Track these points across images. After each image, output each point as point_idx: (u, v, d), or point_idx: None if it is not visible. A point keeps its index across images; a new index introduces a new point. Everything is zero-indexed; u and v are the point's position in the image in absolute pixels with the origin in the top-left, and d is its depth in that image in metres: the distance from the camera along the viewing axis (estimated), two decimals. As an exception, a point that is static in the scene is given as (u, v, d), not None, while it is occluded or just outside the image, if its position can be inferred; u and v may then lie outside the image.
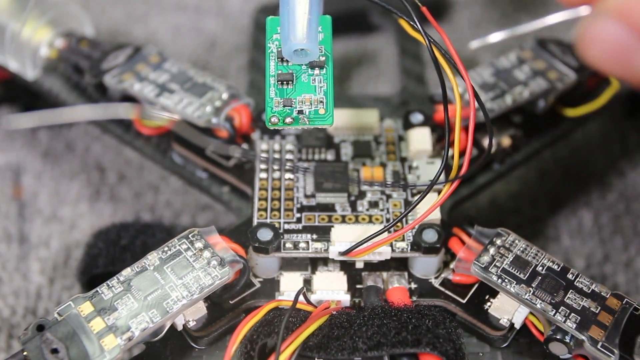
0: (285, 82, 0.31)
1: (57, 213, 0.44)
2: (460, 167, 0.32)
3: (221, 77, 0.49)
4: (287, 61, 0.31)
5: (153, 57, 0.40)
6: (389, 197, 0.36)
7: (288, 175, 0.36)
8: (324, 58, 0.31)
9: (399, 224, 0.34)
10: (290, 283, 0.34)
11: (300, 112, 0.31)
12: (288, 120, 0.31)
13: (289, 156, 0.37)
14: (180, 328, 0.32)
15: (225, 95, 0.38)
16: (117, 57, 0.40)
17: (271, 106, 0.31)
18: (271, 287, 0.34)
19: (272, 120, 0.31)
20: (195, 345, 0.33)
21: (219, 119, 0.37)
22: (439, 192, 0.35)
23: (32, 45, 0.42)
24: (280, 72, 0.31)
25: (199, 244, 0.32)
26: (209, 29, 0.53)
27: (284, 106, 0.31)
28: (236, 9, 0.54)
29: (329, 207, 0.35)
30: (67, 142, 0.47)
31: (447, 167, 0.36)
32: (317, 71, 0.31)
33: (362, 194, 0.36)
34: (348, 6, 0.50)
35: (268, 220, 0.34)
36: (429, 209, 0.32)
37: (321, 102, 0.31)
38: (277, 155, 0.37)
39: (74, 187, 0.45)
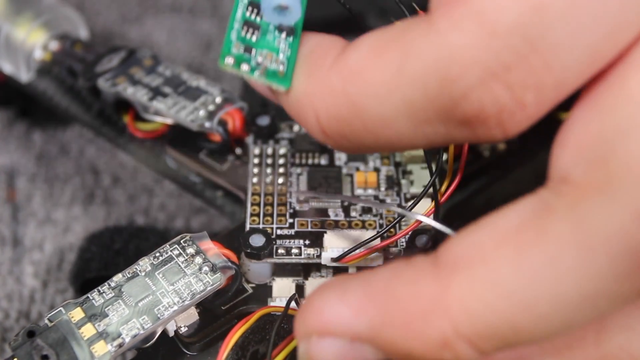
0: (250, 31, 0.28)
1: (51, 216, 0.44)
2: (455, 171, 0.32)
3: (216, 79, 0.49)
4: (257, 14, 0.28)
5: (147, 60, 0.40)
6: (382, 202, 0.35)
7: (281, 180, 0.36)
8: (294, 26, 0.28)
9: (392, 229, 0.34)
10: (282, 289, 0.34)
11: (259, 64, 0.28)
12: (245, 67, 0.28)
13: (282, 161, 0.37)
14: (171, 334, 0.32)
15: (218, 99, 0.38)
16: (111, 60, 0.40)
17: (229, 47, 0.28)
18: (263, 293, 0.34)
19: (227, 60, 0.27)
20: (187, 351, 0.33)
21: (212, 123, 0.37)
22: (432, 197, 0.35)
23: (26, 48, 0.42)
24: (247, 20, 0.28)
25: (190, 250, 0.32)
26: (204, 31, 0.53)
27: (243, 51, 0.28)
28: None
29: (322, 213, 0.35)
30: (61, 145, 0.47)
31: (442, 173, 0.36)
32: (284, 35, 0.28)
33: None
34: (344, 8, 0.50)
35: (260, 226, 0.34)
36: (424, 213, 0.32)
37: (282, 63, 0.28)
38: (270, 160, 0.37)
39: (67, 190, 0.45)
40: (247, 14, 0.28)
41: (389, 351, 0.24)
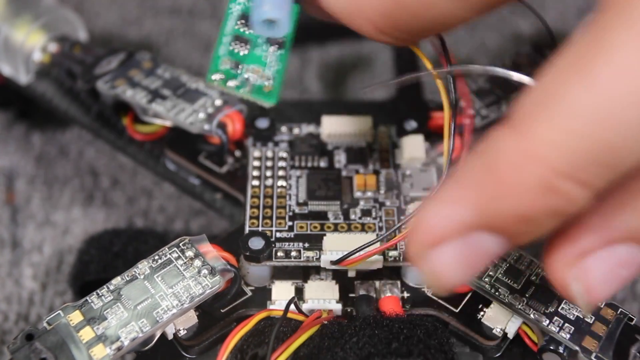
0: (239, 45, 0.29)
1: (50, 218, 0.44)
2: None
3: (215, 82, 0.49)
4: (246, 28, 0.29)
5: (146, 62, 0.40)
6: (382, 205, 0.35)
7: (280, 183, 0.36)
8: (284, 39, 0.29)
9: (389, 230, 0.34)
10: (282, 292, 0.33)
11: (246, 80, 0.29)
12: (231, 83, 0.28)
13: (281, 163, 0.37)
14: (170, 337, 0.32)
15: (218, 102, 0.38)
16: (110, 63, 0.40)
17: (218, 63, 0.28)
18: (263, 295, 0.34)
19: (215, 77, 0.28)
20: (186, 354, 0.33)
21: (212, 126, 0.37)
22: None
23: (25, 50, 0.42)
24: (237, 34, 0.29)
25: (189, 253, 0.32)
26: (203, 32, 0.53)
27: (230, 67, 0.29)
28: (231, 13, 0.54)
29: (321, 215, 0.35)
30: (61, 147, 0.47)
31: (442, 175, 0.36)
32: (272, 49, 0.29)
33: (354, 202, 0.35)
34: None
35: (260, 229, 0.34)
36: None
37: (269, 79, 0.29)
38: (269, 163, 0.37)
39: (67, 192, 0.45)
40: (237, 26, 0.28)
41: (502, 226, 0.23)
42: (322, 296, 0.33)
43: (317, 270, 0.34)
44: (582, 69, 0.22)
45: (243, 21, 0.29)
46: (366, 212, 0.35)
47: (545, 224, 0.23)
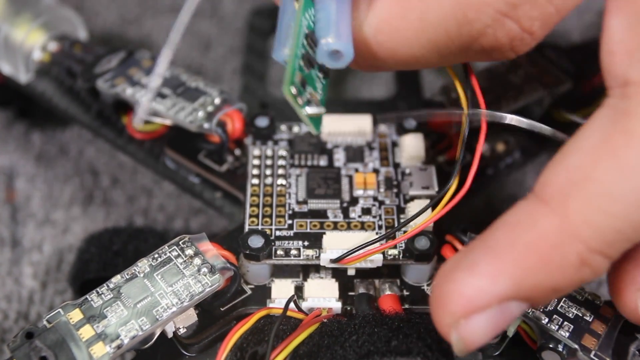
0: (306, 65, 0.28)
1: (50, 217, 0.44)
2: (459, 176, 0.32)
3: (215, 80, 0.49)
4: (310, 48, 0.28)
5: (146, 61, 0.40)
6: (381, 203, 0.35)
7: (280, 182, 0.36)
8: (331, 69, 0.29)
9: (390, 230, 0.34)
10: (281, 290, 0.33)
11: (309, 101, 0.28)
12: (300, 100, 0.28)
13: (281, 162, 0.37)
14: (170, 335, 0.32)
15: (217, 100, 0.38)
16: (110, 61, 0.40)
17: (294, 75, 0.27)
18: (262, 294, 0.34)
19: (292, 90, 0.27)
20: (185, 353, 0.33)
21: (211, 124, 0.37)
22: (431, 198, 0.35)
23: (25, 49, 0.42)
24: (306, 52, 0.28)
25: (189, 251, 0.32)
26: (203, 32, 0.53)
27: (301, 84, 0.28)
28: (230, 11, 0.54)
29: (321, 214, 0.35)
30: (61, 145, 0.47)
31: (443, 175, 0.36)
32: (322, 75, 0.29)
33: (354, 201, 0.35)
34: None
35: (259, 227, 0.34)
36: (426, 220, 0.32)
37: (318, 105, 0.29)
38: (269, 161, 0.37)
39: (67, 191, 0.45)
40: (307, 45, 0.28)
41: (534, 295, 0.25)
42: (322, 294, 0.33)
43: (317, 268, 0.34)
44: (613, 154, 0.24)
45: (309, 42, 0.28)
46: (366, 211, 0.35)
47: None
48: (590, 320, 0.31)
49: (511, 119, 0.32)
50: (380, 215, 0.35)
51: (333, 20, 0.27)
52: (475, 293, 0.25)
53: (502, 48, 0.28)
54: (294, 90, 0.27)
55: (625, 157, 0.24)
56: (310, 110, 0.28)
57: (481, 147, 0.32)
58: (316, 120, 0.29)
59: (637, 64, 0.25)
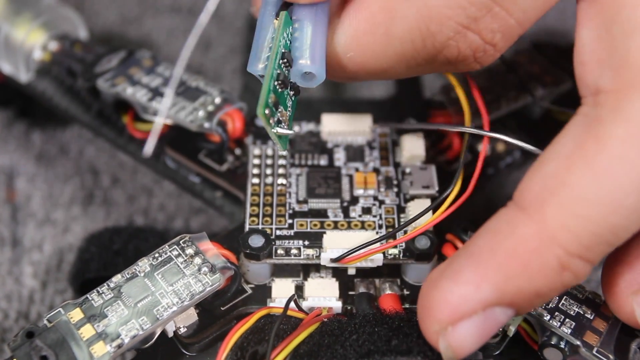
0: (279, 85, 0.29)
1: (50, 216, 0.44)
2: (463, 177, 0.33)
3: (216, 80, 0.49)
4: (286, 69, 0.30)
5: (146, 60, 0.40)
6: (381, 203, 0.35)
7: (280, 181, 0.36)
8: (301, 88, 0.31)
9: (391, 230, 0.34)
10: (282, 289, 0.33)
11: (280, 122, 0.30)
12: (271, 120, 0.29)
13: (281, 161, 0.37)
14: (171, 335, 0.32)
15: (218, 100, 0.38)
16: (111, 61, 0.40)
17: (268, 96, 0.29)
18: (263, 293, 0.34)
19: (266, 111, 0.29)
20: (186, 352, 0.33)
21: (212, 124, 0.37)
22: (432, 197, 0.35)
23: (26, 48, 0.42)
24: (281, 72, 0.29)
25: (190, 250, 0.32)
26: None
27: (272, 104, 0.29)
28: (231, 11, 0.54)
29: (321, 213, 0.35)
30: (61, 145, 0.47)
31: (444, 174, 0.36)
32: (292, 92, 0.30)
33: (354, 200, 0.35)
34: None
35: (260, 226, 0.34)
36: (426, 223, 0.32)
37: (286, 123, 0.30)
38: (269, 161, 0.37)
39: (67, 190, 0.45)
40: (281, 64, 0.29)
41: (517, 301, 0.26)
42: (322, 294, 0.33)
43: (317, 267, 0.34)
44: (586, 160, 0.25)
45: (285, 61, 0.29)
46: (366, 210, 0.35)
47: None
48: (591, 317, 0.31)
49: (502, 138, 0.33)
50: (380, 215, 0.35)
51: (309, 43, 0.29)
52: (459, 300, 0.26)
53: (466, 59, 0.28)
54: (267, 112, 0.29)
55: (598, 162, 0.25)
56: (280, 130, 0.29)
57: (481, 164, 0.33)
58: (284, 138, 0.30)
59: (607, 73, 0.26)
